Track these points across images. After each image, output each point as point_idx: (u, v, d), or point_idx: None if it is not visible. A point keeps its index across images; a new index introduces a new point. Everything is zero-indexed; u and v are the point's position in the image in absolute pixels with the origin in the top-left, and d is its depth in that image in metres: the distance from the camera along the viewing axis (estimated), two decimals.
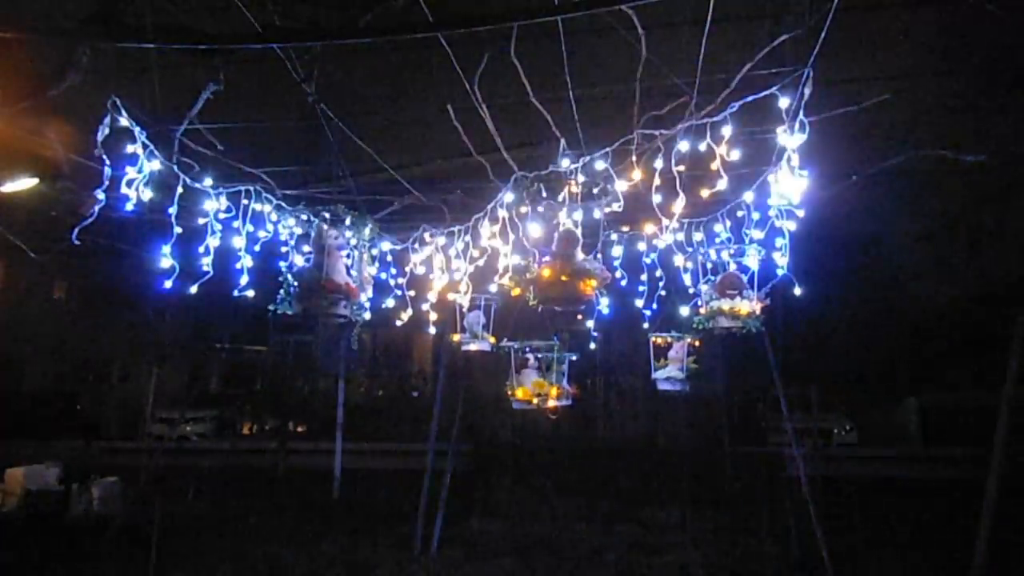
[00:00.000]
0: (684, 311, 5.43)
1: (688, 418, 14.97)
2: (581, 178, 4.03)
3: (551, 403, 5.70)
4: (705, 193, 4.14)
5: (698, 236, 5.10)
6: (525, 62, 3.77)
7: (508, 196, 4.39)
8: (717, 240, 5.03)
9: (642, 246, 5.39)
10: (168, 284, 3.78)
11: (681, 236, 5.08)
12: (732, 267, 4.95)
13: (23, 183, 5.80)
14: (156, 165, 3.64)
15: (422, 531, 8.31)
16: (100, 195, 3.44)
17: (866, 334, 16.65)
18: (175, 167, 3.83)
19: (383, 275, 5.33)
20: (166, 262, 3.75)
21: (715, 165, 3.68)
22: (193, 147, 4.50)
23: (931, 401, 16.38)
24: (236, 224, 4.18)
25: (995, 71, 5.58)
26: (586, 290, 3.88)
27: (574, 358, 6.17)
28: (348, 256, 4.49)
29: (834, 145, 5.05)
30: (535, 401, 5.65)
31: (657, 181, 3.87)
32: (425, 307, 5.50)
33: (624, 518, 10.27)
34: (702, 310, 4.87)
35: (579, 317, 5.82)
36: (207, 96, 4.20)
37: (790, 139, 3.49)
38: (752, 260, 4.70)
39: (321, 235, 4.33)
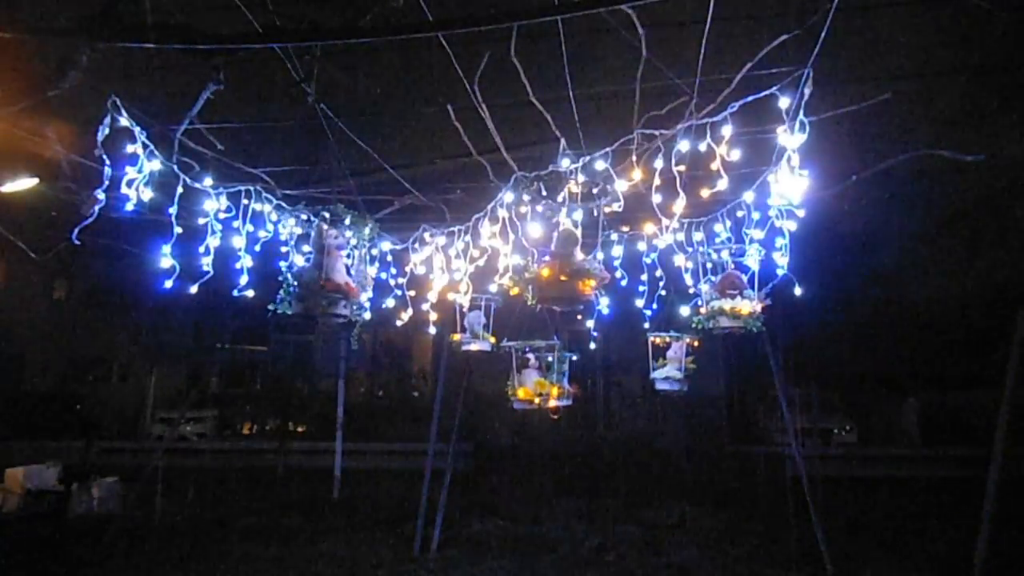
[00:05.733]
0: (684, 311, 5.43)
1: (688, 418, 14.97)
2: (581, 178, 4.03)
3: (552, 403, 5.70)
4: (705, 193, 4.15)
5: (698, 236, 5.10)
6: (525, 62, 3.77)
7: (508, 196, 4.40)
8: (717, 240, 5.03)
9: (642, 246, 5.39)
10: (168, 284, 3.79)
11: (681, 236, 5.08)
12: (732, 267, 4.95)
13: (23, 183, 5.80)
14: (156, 165, 3.65)
15: (422, 531, 8.31)
16: (100, 195, 3.45)
17: (866, 334, 16.64)
18: (175, 167, 3.84)
19: (383, 275, 5.34)
20: (166, 262, 3.75)
21: (715, 165, 3.68)
22: (193, 147, 4.50)
23: (931, 401, 16.38)
24: (236, 224, 4.18)
25: (995, 72, 5.58)
26: (585, 290, 3.88)
27: (574, 358, 6.17)
28: (348, 256, 4.49)
29: (834, 145, 5.06)
30: (536, 401, 5.65)
31: (657, 181, 3.87)
32: (425, 307, 5.50)
33: (624, 518, 10.27)
34: (702, 310, 4.87)
35: (579, 317, 5.82)
36: (207, 96, 4.19)
37: (790, 139, 3.49)
38: (752, 260, 4.70)
39: (321, 235, 4.33)
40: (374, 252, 5.01)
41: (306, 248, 4.52)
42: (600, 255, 4.84)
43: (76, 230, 3.75)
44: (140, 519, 9.03)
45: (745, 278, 4.78)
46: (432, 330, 5.65)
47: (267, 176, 4.91)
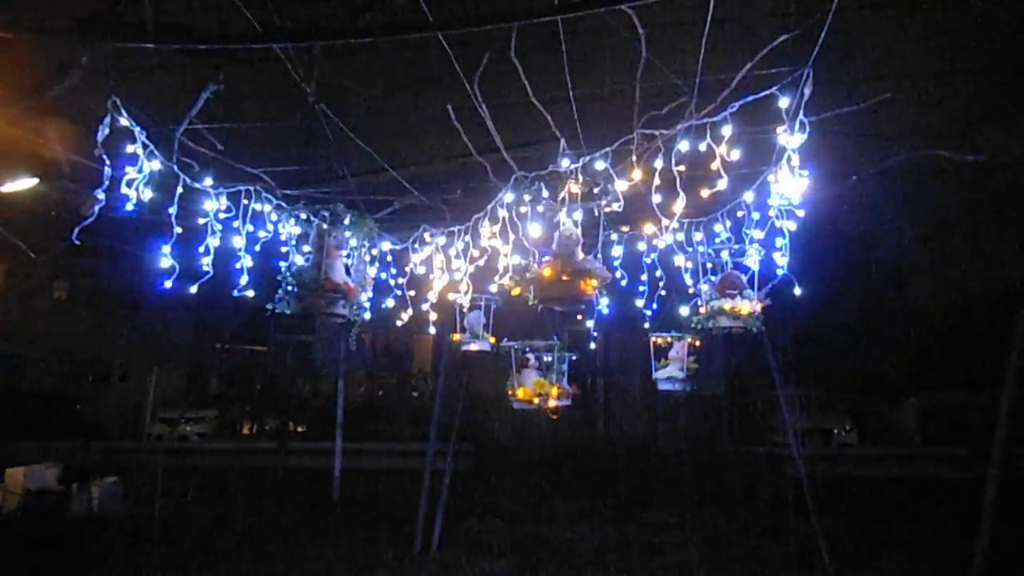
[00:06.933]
0: (684, 311, 5.43)
1: (688, 418, 14.97)
2: (581, 178, 4.03)
3: (552, 403, 5.70)
4: (705, 193, 4.15)
5: (698, 236, 5.10)
6: (525, 62, 3.77)
7: (508, 196, 4.40)
8: (717, 240, 5.03)
9: (642, 246, 5.39)
10: (168, 284, 3.79)
11: (681, 236, 5.08)
12: (732, 267, 4.95)
13: (23, 183, 5.80)
14: (156, 165, 3.65)
15: (422, 531, 8.31)
16: (100, 195, 3.45)
17: (866, 334, 16.64)
18: (175, 167, 3.84)
19: (383, 275, 5.34)
20: (166, 262, 3.75)
21: (715, 165, 3.68)
22: (193, 147, 4.50)
23: (931, 401, 16.38)
24: (236, 224, 4.18)
25: (996, 71, 5.58)
26: (587, 290, 3.88)
27: (574, 358, 6.17)
28: (348, 256, 4.49)
29: (834, 145, 5.06)
30: (536, 401, 5.65)
31: (657, 181, 3.87)
32: (425, 307, 5.50)
33: (624, 518, 10.27)
34: (702, 310, 4.87)
35: (579, 317, 5.82)
36: (207, 96, 4.20)
37: (790, 139, 3.49)
38: (752, 260, 4.70)
39: (321, 235, 4.33)
40: (374, 252, 5.01)
41: (306, 248, 4.51)
42: (600, 255, 4.85)
43: (76, 230, 3.75)
44: (140, 519, 9.02)
45: (745, 278, 4.78)
46: (432, 330, 5.65)
47: (267, 176, 4.91)
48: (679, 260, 5.24)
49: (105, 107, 3.34)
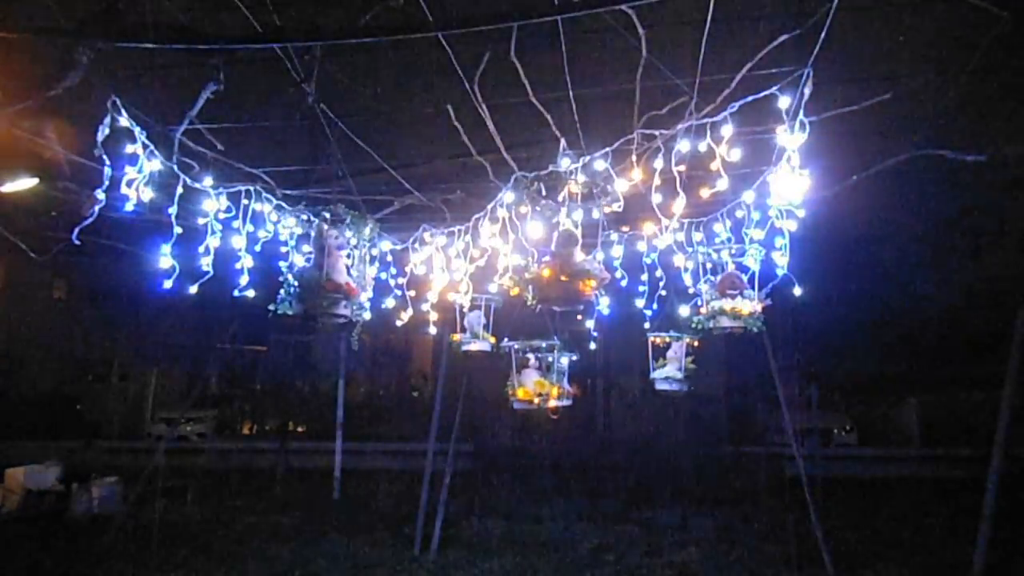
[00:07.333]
0: (684, 311, 5.42)
1: (688, 418, 14.96)
2: (581, 178, 4.03)
3: (552, 403, 5.70)
4: (705, 193, 4.15)
5: (698, 236, 5.10)
6: (525, 62, 3.77)
7: (508, 196, 4.39)
8: (717, 240, 5.03)
9: (642, 246, 5.39)
10: (168, 284, 3.79)
11: (681, 236, 5.08)
12: (732, 267, 4.94)
13: (23, 183, 5.80)
14: (156, 165, 3.65)
15: (422, 531, 8.31)
16: (100, 195, 3.45)
17: (866, 334, 16.64)
18: (175, 167, 3.84)
19: (383, 275, 5.34)
20: (166, 262, 3.75)
21: (715, 165, 3.68)
22: (193, 147, 4.50)
23: (931, 401, 16.38)
24: (236, 224, 4.18)
25: (995, 71, 5.57)
26: (585, 290, 3.88)
27: (574, 358, 6.16)
28: (348, 256, 4.49)
29: (834, 145, 5.05)
30: (536, 401, 5.64)
31: (657, 181, 3.87)
32: (425, 307, 5.50)
33: (624, 518, 10.27)
34: (702, 310, 4.86)
35: (579, 317, 5.82)
36: (207, 96, 4.19)
37: (790, 139, 3.49)
38: (752, 260, 4.69)
39: (321, 235, 4.33)
40: (374, 252, 5.01)
41: (306, 248, 4.52)
42: (600, 255, 4.84)
43: (76, 230, 3.75)
44: (140, 519, 9.03)
45: (745, 278, 4.77)
46: (432, 330, 5.65)
47: (267, 176, 4.91)
48: (679, 260, 5.23)
49: (105, 107, 3.34)
